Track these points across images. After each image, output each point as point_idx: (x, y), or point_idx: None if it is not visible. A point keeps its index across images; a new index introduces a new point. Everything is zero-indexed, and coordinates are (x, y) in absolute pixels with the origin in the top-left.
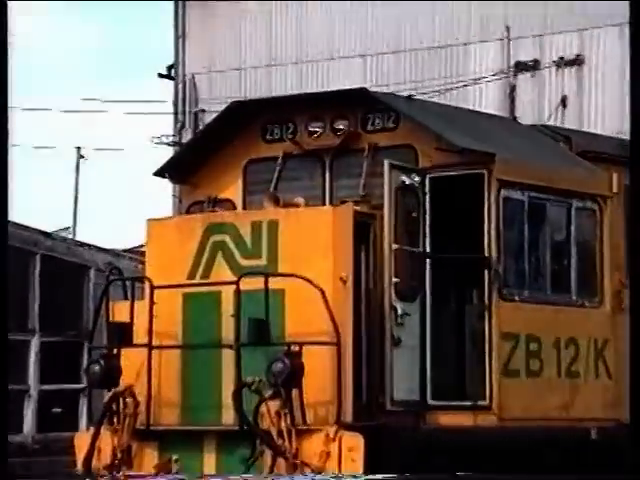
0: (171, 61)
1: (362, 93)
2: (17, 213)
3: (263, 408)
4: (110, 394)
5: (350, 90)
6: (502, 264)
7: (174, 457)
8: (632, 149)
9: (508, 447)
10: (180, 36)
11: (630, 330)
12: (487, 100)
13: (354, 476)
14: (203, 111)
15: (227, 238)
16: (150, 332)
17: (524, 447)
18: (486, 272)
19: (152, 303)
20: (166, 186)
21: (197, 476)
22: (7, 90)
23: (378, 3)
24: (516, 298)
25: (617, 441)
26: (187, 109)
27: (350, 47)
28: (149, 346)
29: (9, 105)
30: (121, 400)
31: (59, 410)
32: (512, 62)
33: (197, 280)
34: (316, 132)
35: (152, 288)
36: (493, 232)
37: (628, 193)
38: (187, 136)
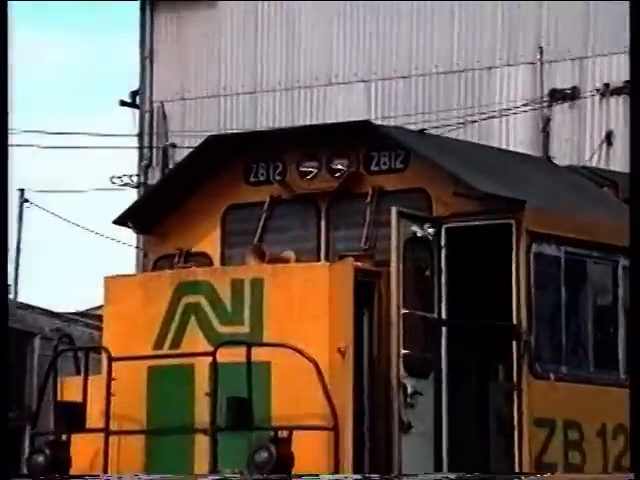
0: (136, 86)
1: (365, 127)
2: None
3: None
4: None
5: (351, 123)
6: (534, 333)
7: None
8: (632, 151)
9: None
10: (147, 56)
11: (630, 330)
12: (516, 136)
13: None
14: (174, 146)
15: (202, 300)
16: (107, 414)
17: None
18: (515, 343)
19: (110, 378)
20: (129, 236)
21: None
22: (7, 90)
23: (385, 18)
24: (551, 376)
25: None
26: (155, 144)
27: (351, 70)
28: (106, 431)
29: (9, 104)
30: None
31: None
32: (546, 90)
33: (165, 351)
34: (310, 173)
35: (110, 360)
36: (523, 294)
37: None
38: (154, 176)
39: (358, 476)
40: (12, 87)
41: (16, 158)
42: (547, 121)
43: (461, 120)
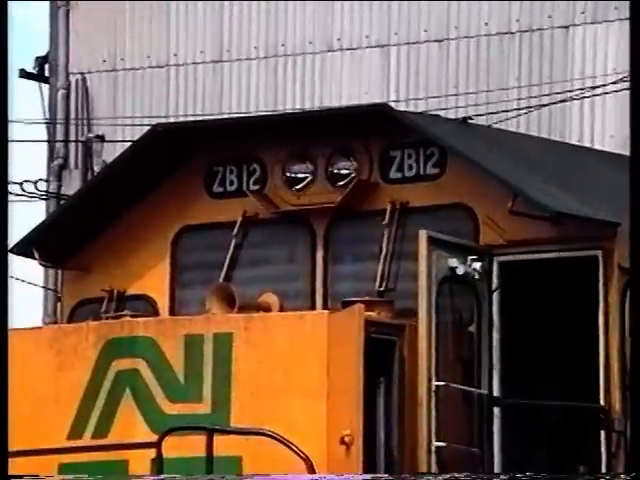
0: (45, 49)
1: (381, 113)
2: None
3: None
4: None
5: (360, 108)
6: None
7: None
8: (632, 152)
9: None
10: (61, 5)
11: (630, 329)
12: (604, 127)
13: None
14: (101, 140)
15: (141, 365)
16: None
17: None
18: (604, 434)
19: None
20: (34, 271)
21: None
22: (7, 90)
23: None
24: None
25: None
26: (72, 135)
27: (361, 31)
28: None
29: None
30: None
31: None
32: None
33: (86, 440)
34: (301, 180)
35: (6, 454)
36: (615, 361)
37: None
38: (72, 184)
39: (367, 476)
40: None
41: None
42: (630, 106)
43: (522, 104)
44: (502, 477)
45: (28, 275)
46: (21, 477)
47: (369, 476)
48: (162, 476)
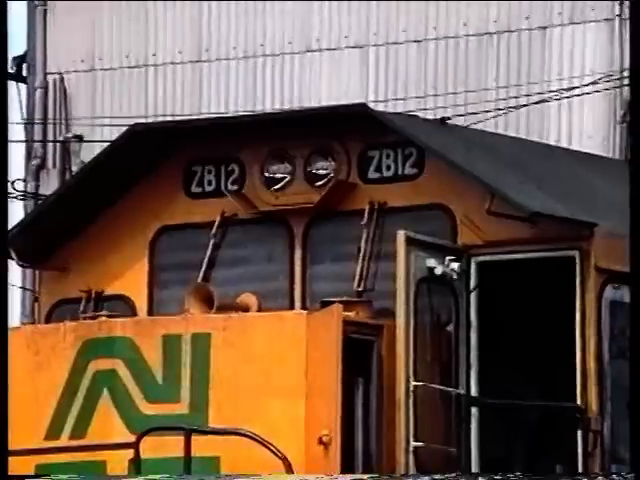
0: (23, 49)
1: (360, 113)
2: None
3: None
4: None
5: (339, 108)
6: (608, 420)
7: None
8: (632, 152)
9: None
10: (39, 4)
11: (630, 330)
12: (582, 128)
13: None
14: (79, 139)
15: (119, 366)
16: None
17: None
18: (580, 434)
19: None
20: (12, 271)
21: None
22: (6, 90)
23: None
24: None
25: None
26: (50, 135)
27: (340, 31)
28: None
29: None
30: None
31: None
32: (628, 59)
33: (64, 441)
34: (279, 180)
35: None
36: (591, 361)
37: None
38: (50, 183)
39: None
40: None
41: None
42: (628, 106)
43: (500, 104)
44: (496, 477)
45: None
46: (21, 477)
47: (373, 476)
48: (160, 476)
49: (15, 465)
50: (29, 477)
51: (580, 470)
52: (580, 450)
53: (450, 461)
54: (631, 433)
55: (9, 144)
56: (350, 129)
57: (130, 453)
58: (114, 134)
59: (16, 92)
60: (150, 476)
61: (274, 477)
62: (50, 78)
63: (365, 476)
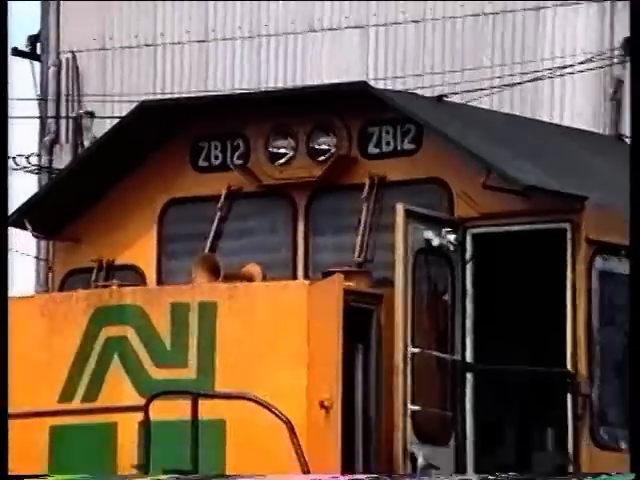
0: (37, 28)
1: (360, 91)
2: None
3: None
4: None
5: (340, 86)
6: (597, 385)
7: None
8: (632, 151)
9: None
10: None
11: (630, 330)
12: (573, 105)
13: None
14: (91, 116)
15: (130, 332)
16: None
17: None
18: (570, 398)
19: None
20: (27, 242)
21: None
22: (6, 89)
23: None
24: (622, 445)
25: None
26: (63, 111)
27: (341, 12)
28: None
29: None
30: None
31: None
32: (618, 40)
33: (77, 403)
34: (282, 155)
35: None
36: (581, 329)
37: None
38: (63, 157)
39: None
40: None
41: None
42: (618, 84)
43: (495, 82)
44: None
45: (21, 246)
46: (21, 477)
47: (370, 476)
48: (167, 476)
49: (31, 426)
50: (29, 477)
51: (571, 431)
52: (570, 413)
53: (446, 424)
54: (631, 433)
55: (24, 120)
56: (351, 106)
57: (140, 415)
58: (124, 110)
59: (30, 70)
60: (158, 476)
61: (278, 477)
62: (63, 57)
63: (364, 476)
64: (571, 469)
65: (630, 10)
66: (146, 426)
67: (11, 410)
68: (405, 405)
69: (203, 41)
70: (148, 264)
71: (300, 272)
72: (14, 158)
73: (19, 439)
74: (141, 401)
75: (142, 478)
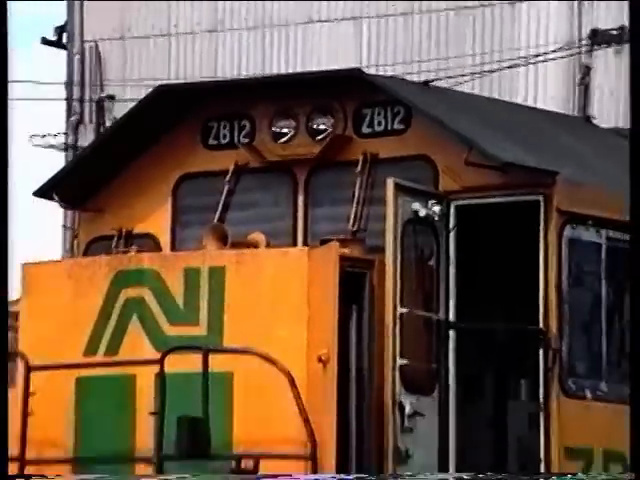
0: (63, 19)
1: (355, 77)
2: None
3: None
4: None
5: (337, 72)
6: (566, 340)
7: None
8: (632, 149)
9: None
10: None
11: (631, 330)
12: (545, 89)
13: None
14: (112, 98)
15: (147, 293)
16: (23, 438)
17: None
18: (541, 352)
19: (28, 392)
20: (54, 213)
21: None
22: (7, 89)
23: None
24: (588, 394)
25: None
26: (87, 95)
27: (337, 5)
28: (21, 461)
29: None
30: None
31: None
32: (586, 31)
33: (99, 357)
34: (284, 135)
35: (28, 369)
36: (552, 291)
37: None
38: (87, 136)
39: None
40: None
41: None
42: (586, 70)
43: (476, 69)
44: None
45: (49, 216)
46: (21, 477)
47: (365, 476)
48: (174, 476)
49: (59, 378)
50: (29, 477)
51: (542, 382)
52: (541, 366)
53: (430, 376)
54: (630, 433)
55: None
56: (346, 90)
57: (156, 368)
58: (142, 94)
59: (57, 58)
60: (169, 476)
61: (284, 478)
62: (87, 45)
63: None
64: (542, 416)
65: (630, 10)
66: (162, 378)
67: (41, 363)
68: (394, 359)
69: (213, 31)
70: (163, 233)
71: (300, 240)
72: (43, 136)
73: (48, 390)
74: (157, 355)
75: (154, 478)
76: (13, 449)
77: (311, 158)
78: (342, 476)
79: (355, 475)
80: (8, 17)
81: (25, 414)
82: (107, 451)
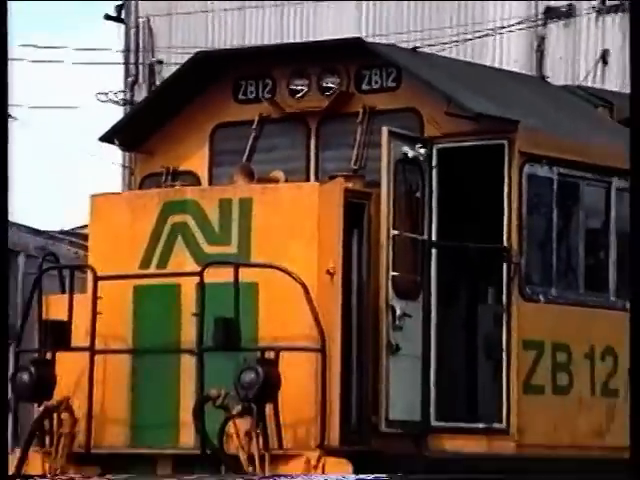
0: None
1: (356, 44)
2: None
3: (230, 428)
4: (42, 409)
5: (342, 40)
6: (524, 256)
7: None
8: (632, 146)
9: None
10: None
11: (630, 329)
12: (509, 54)
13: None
14: (160, 62)
15: (189, 219)
16: (93, 333)
17: None
18: (505, 265)
19: (96, 297)
20: (115, 155)
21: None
22: (7, 88)
23: None
24: (541, 298)
25: None
26: (141, 60)
27: None
28: (91, 350)
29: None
30: (55, 416)
31: None
32: (541, 8)
33: (152, 270)
34: (300, 91)
35: (96, 279)
36: (514, 217)
37: None
38: (141, 93)
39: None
40: None
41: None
42: (541, 40)
43: (454, 38)
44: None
45: (112, 157)
46: (21, 477)
47: (378, 476)
48: (186, 477)
49: (120, 286)
50: (29, 477)
51: (505, 289)
52: (505, 276)
53: (416, 285)
54: (630, 433)
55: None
56: (349, 55)
57: (197, 279)
58: (184, 59)
59: (117, 31)
60: (185, 477)
61: (290, 478)
62: (140, 20)
63: (370, 477)
64: (504, 316)
65: (630, 10)
66: (201, 287)
67: (106, 274)
68: (387, 271)
69: (241, 8)
70: (202, 170)
71: (312, 176)
72: (106, 93)
73: (111, 296)
74: (197, 269)
75: (170, 479)
76: (84, 342)
77: (321, 110)
78: (358, 476)
79: (374, 475)
80: (8, 17)
81: (94, 314)
82: (158, 342)
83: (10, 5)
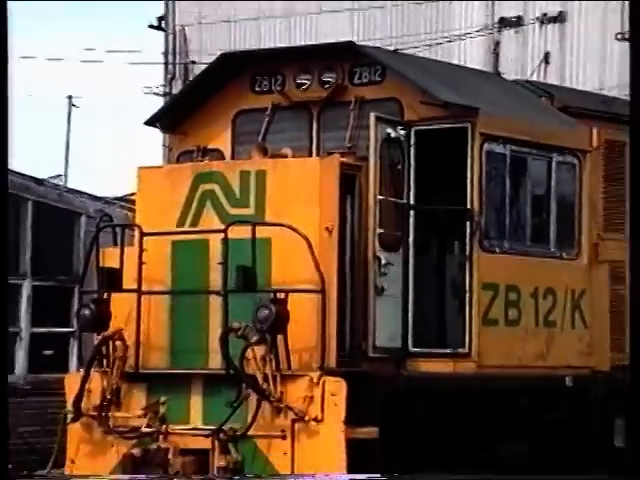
0: (162, 12)
1: (350, 47)
2: (10, 160)
3: (249, 353)
4: (100, 337)
5: (338, 44)
6: (483, 216)
7: (162, 399)
8: (632, 144)
9: (486, 393)
10: None
11: (630, 324)
12: (471, 56)
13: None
14: (193, 62)
15: (216, 187)
16: (139, 278)
17: (501, 393)
18: (468, 224)
19: (141, 250)
20: (157, 136)
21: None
22: (7, 88)
23: None
24: (496, 249)
25: (590, 388)
26: (177, 60)
27: (338, 2)
28: (138, 291)
29: (9, 101)
30: (111, 343)
31: (50, 352)
32: (496, 18)
33: (186, 228)
34: (304, 84)
35: (142, 235)
36: (475, 185)
37: (609, 148)
38: (177, 87)
39: (375, 476)
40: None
41: (64, 69)
42: (497, 44)
43: (428, 42)
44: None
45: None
46: (22, 477)
47: (371, 476)
48: (195, 477)
49: (161, 241)
50: (29, 477)
51: (467, 243)
52: (467, 232)
53: (398, 240)
54: (630, 431)
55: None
56: (344, 55)
57: (222, 235)
58: (211, 59)
59: (159, 37)
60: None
61: (292, 477)
62: (177, 29)
63: (371, 476)
64: (467, 264)
65: (630, 10)
66: (225, 241)
67: (150, 230)
68: (374, 229)
69: (257, 19)
70: (226, 148)
71: (314, 153)
72: (150, 87)
73: (154, 249)
74: (223, 227)
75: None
76: (133, 285)
77: (321, 100)
78: (352, 476)
79: (367, 475)
80: (8, 17)
81: (140, 262)
82: (191, 286)
83: (10, 5)
